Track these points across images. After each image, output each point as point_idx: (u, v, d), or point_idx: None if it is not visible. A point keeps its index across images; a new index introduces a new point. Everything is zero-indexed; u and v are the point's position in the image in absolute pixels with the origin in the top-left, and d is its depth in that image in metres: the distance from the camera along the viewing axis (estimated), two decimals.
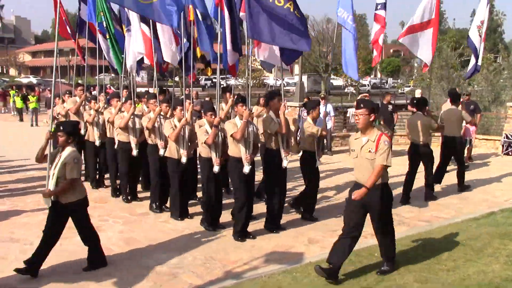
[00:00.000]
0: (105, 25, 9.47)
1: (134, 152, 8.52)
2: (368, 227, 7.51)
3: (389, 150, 5.31)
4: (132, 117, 8.49)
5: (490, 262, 5.99)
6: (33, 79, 57.52)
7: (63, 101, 10.66)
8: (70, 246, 6.43)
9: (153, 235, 7.05)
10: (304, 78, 45.07)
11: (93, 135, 9.44)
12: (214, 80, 34.17)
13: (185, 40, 9.18)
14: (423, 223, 7.79)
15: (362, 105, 5.35)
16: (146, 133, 8.24)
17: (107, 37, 9.43)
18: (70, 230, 7.16)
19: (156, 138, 8.17)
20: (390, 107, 14.18)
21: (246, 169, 6.79)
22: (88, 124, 9.51)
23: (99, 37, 10.53)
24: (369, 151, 5.32)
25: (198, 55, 9.96)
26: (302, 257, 6.29)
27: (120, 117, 8.57)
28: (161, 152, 8.03)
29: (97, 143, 9.39)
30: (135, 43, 8.88)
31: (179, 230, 7.31)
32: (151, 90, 12.57)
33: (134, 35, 8.83)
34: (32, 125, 22.09)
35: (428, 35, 9.68)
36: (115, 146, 8.81)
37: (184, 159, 7.60)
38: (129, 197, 8.76)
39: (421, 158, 9.16)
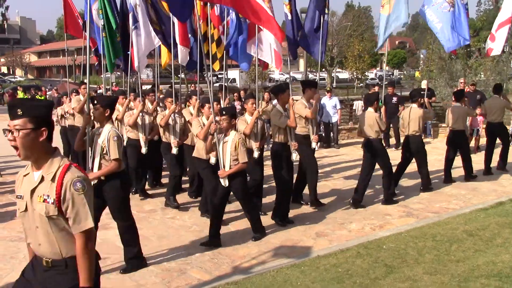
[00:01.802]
0: (102, 23, 9.40)
1: (143, 150, 8.52)
2: (375, 220, 7.52)
3: (88, 202, 2.85)
4: (141, 114, 8.49)
5: (500, 252, 5.96)
6: (20, 79, 57.90)
7: (71, 100, 10.70)
8: None
9: (161, 231, 7.06)
10: (236, 73, 44.01)
11: None
12: (219, 76, 34.08)
13: (189, 35, 9.17)
14: (432, 215, 7.75)
15: (20, 112, 2.77)
16: (161, 130, 8.23)
17: (103, 35, 9.35)
18: None
19: (170, 135, 8.14)
20: (395, 98, 14.13)
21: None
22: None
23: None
24: (44, 200, 2.86)
25: (205, 50, 9.93)
26: (310, 250, 6.27)
27: (129, 114, 8.57)
28: (174, 151, 8.00)
29: None
30: (146, 40, 8.89)
31: (187, 226, 7.32)
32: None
33: (143, 32, 8.83)
34: None
35: (505, 29, 10.48)
36: (124, 143, 8.85)
37: (213, 160, 7.22)
38: (138, 194, 8.77)
39: (497, 135, 10.79)
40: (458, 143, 9.98)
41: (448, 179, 9.84)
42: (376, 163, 8.36)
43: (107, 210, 8.03)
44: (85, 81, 11.22)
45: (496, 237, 6.52)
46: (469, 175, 10.00)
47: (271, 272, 5.52)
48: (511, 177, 10.14)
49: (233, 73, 43.59)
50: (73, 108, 10.06)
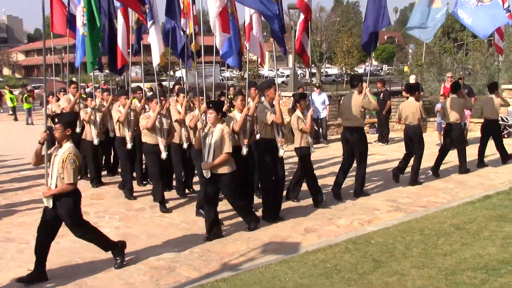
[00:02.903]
0: (84, 21, 9.13)
1: (163, 155, 7.85)
2: (364, 215, 7.56)
3: None
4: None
5: (486, 245, 6.01)
6: None
7: (58, 99, 10.50)
8: (66, 243, 6.43)
9: (150, 229, 7.05)
10: (182, 72, 43.29)
11: (91, 134, 9.23)
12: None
13: (182, 33, 9.14)
14: (420, 209, 7.80)
15: None
16: (190, 133, 7.83)
17: (85, 34, 9.05)
18: (64, 228, 7.16)
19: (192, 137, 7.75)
20: (382, 95, 14.33)
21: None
22: (85, 122, 9.30)
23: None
24: None
25: (193, 48, 9.87)
26: (299, 246, 6.29)
27: (147, 117, 7.92)
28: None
29: (96, 142, 9.17)
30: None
31: (176, 224, 7.30)
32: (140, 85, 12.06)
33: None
34: (27, 123, 22.03)
35: None
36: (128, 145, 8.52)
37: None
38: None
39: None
40: (492, 131, 10.95)
41: (481, 163, 10.73)
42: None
43: (95, 209, 8.03)
44: (74, 79, 11.10)
45: (483, 230, 6.58)
46: (506, 157, 10.90)
47: (260, 269, 5.53)
48: (499, 171, 10.23)
49: (180, 72, 42.87)
50: (63, 108, 9.84)
